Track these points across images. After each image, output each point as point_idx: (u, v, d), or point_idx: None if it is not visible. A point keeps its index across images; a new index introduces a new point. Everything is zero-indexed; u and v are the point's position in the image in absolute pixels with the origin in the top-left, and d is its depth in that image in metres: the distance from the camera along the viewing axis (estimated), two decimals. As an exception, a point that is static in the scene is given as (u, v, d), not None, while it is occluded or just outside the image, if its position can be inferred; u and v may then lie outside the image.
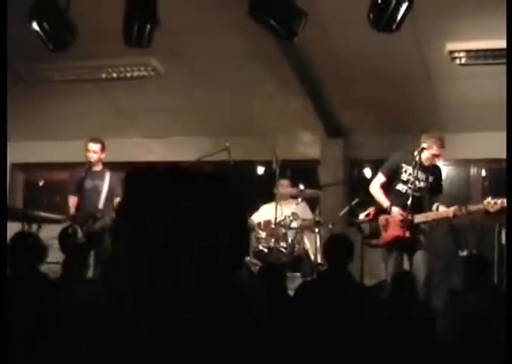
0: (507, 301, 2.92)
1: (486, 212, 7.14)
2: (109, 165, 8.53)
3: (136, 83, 9.76)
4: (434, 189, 7.51)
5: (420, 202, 7.36)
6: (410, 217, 7.15)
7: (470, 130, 9.80)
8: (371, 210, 7.54)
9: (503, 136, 9.69)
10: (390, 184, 7.50)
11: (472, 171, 10.27)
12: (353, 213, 9.02)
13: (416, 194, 7.31)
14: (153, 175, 1.55)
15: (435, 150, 7.30)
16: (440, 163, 7.81)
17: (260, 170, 10.55)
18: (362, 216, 7.61)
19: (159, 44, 8.45)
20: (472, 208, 7.19)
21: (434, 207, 7.32)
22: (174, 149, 10.66)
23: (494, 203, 7.01)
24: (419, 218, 7.21)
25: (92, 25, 8.28)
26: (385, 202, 7.43)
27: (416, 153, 7.31)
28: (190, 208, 1.48)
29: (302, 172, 10.40)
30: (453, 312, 5.99)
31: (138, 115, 10.58)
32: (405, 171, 7.41)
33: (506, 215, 7.08)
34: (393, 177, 7.46)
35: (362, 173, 10.57)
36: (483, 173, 10.38)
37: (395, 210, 7.33)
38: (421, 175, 7.38)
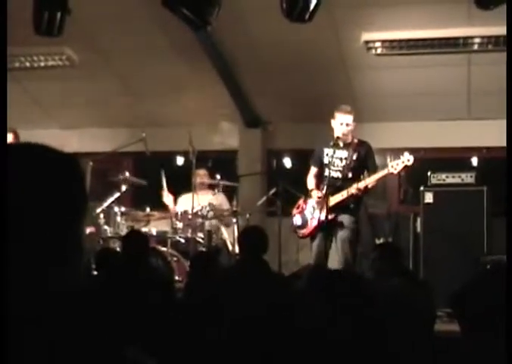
0: (506, 302, 2.94)
1: (391, 175, 7.24)
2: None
3: (51, 72, 9.56)
4: (363, 165, 7.41)
5: (345, 182, 7.29)
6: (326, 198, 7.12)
7: (387, 119, 9.90)
8: (300, 202, 7.59)
9: (419, 125, 9.87)
10: (323, 172, 7.52)
11: (389, 159, 10.33)
12: (270, 203, 9.05)
13: (338, 175, 7.30)
14: None
15: (341, 119, 7.30)
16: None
17: (180, 160, 10.47)
18: (294, 209, 7.64)
19: (73, 33, 8.32)
20: (378, 175, 7.22)
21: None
22: (90, 140, 10.51)
23: (396, 165, 7.12)
24: (335, 199, 7.23)
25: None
26: (310, 186, 7.50)
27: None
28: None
29: (221, 162, 10.38)
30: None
31: (53, 106, 10.40)
32: (326, 155, 7.41)
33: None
34: (322, 165, 7.48)
35: (280, 163, 10.60)
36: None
37: (314, 193, 7.37)
38: (341, 154, 7.35)
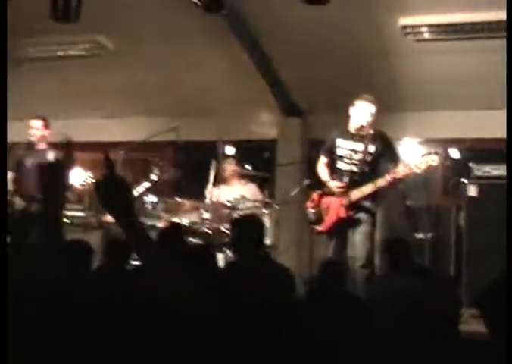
0: (506, 297, 2.73)
1: (414, 174, 6.81)
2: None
3: (85, 61, 9.52)
4: (384, 157, 7.00)
5: (362, 177, 6.99)
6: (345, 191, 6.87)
7: (431, 108, 9.52)
8: (315, 195, 7.30)
9: (463, 115, 9.46)
10: (334, 163, 7.23)
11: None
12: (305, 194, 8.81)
13: (355, 168, 7.00)
14: None
15: (363, 107, 6.98)
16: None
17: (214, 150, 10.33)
18: (308, 203, 7.38)
19: (106, 21, 8.29)
20: (401, 172, 6.80)
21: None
22: (132, 129, 10.44)
23: (420, 163, 6.71)
24: (355, 194, 6.94)
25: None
26: (325, 178, 7.21)
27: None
28: None
29: (259, 152, 10.21)
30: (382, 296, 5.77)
31: (92, 95, 10.35)
32: (339, 146, 7.10)
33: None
34: (332, 155, 7.19)
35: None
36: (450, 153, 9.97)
37: (333, 183, 7.06)
38: (358, 146, 7.02)
